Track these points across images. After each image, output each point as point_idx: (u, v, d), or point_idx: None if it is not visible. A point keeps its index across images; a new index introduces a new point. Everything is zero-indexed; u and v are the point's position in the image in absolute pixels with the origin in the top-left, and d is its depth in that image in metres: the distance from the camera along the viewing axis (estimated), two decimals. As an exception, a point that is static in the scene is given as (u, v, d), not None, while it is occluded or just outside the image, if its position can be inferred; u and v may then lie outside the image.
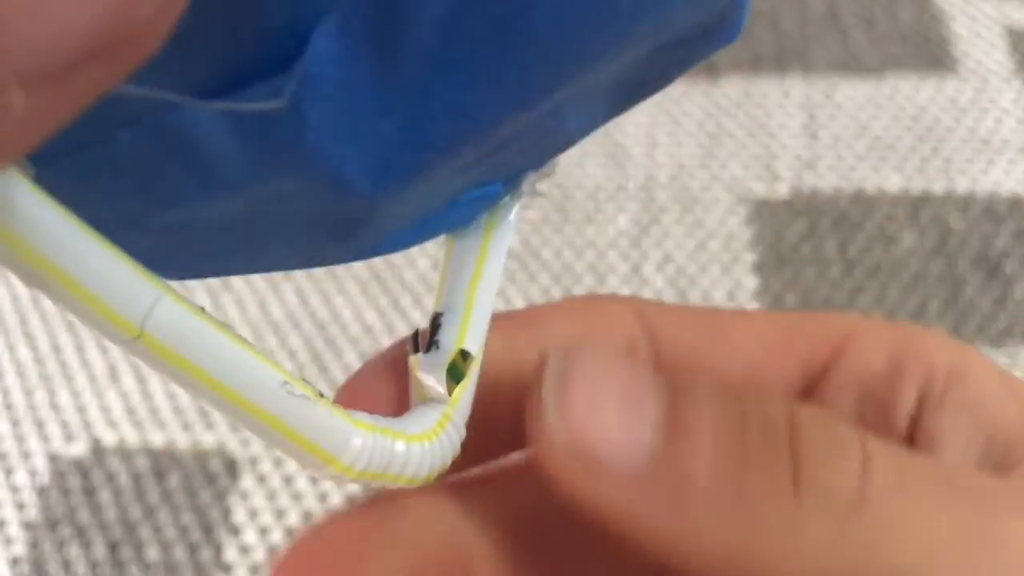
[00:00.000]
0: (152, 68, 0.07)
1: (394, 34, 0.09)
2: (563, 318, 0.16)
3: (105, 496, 0.36)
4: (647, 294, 0.40)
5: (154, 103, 0.09)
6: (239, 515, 0.36)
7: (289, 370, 0.11)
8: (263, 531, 0.35)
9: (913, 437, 0.16)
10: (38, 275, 0.08)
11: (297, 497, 0.36)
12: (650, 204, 0.43)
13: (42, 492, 0.36)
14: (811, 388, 0.16)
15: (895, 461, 0.13)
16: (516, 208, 0.14)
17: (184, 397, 0.39)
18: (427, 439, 0.12)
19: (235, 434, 0.38)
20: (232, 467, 0.37)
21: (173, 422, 0.38)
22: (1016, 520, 0.12)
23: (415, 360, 0.13)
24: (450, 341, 0.13)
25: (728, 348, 0.16)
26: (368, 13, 0.09)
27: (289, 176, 0.10)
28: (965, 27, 0.48)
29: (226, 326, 0.10)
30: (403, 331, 0.40)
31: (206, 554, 0.35)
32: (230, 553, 0.35)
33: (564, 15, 0.10)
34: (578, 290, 0.41)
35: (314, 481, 0.36)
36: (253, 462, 0.37)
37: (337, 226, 0.11)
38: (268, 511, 0.36)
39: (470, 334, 0.13)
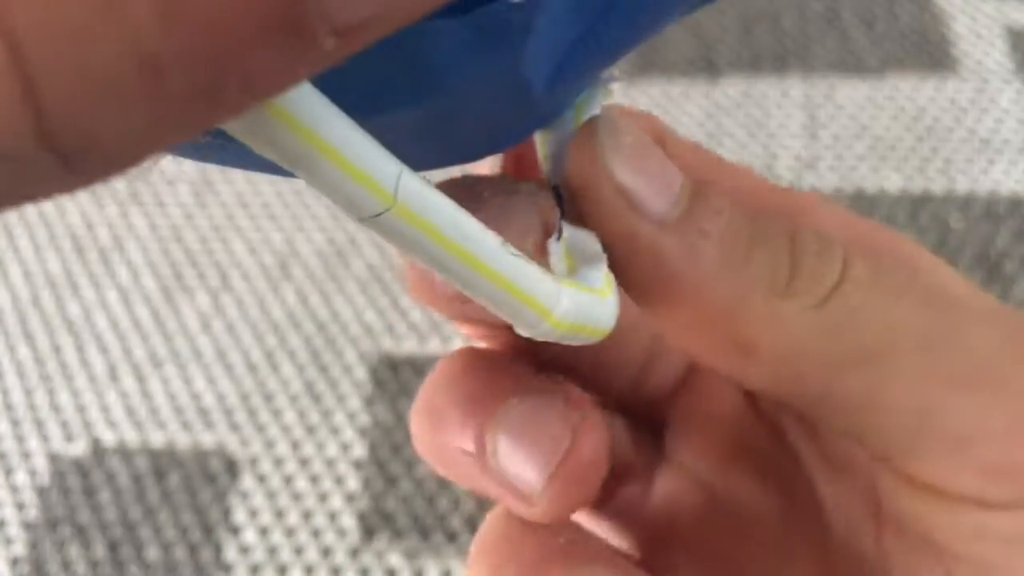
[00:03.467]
0: None
1: None
2: None
3: (105, 496, 0.36)
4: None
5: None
6: (239, 515, 0.36)
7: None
8: (263, 531, 0.35)
9: None
10: (310, 152, 0.09)
11: (297, 497, 0.36)
12: (650, 204, 0.43)
13: (42, 492, 0.36)
14: None
15: (873, 264, 0.14)
16: (599, 96, 0.15)
17: (184, 397, 0.39)
18: (607, 293, 0.13)
19: (235, 434, 0.38)
20: (232, 467, 0.37)
21: (173, 422, 0.38)
22: (977, 325, 0.14)
23: (554, 243, 0.14)
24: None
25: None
26: None
27: (489, 82, 0.11)
28: (965, 27, 0.48)
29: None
30: (403, 331, 0.40)
31: (206, 554, 0.35)
32: (230, 553, 0.35)
33: None
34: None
35: (314, 481, 0.36)
36: (253, 462, 0.37)
37: (503, 118, 0.13)
38: (268, 511, 0.36)
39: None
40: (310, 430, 0.37)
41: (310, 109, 0.09)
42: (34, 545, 0.35)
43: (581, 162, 0.14)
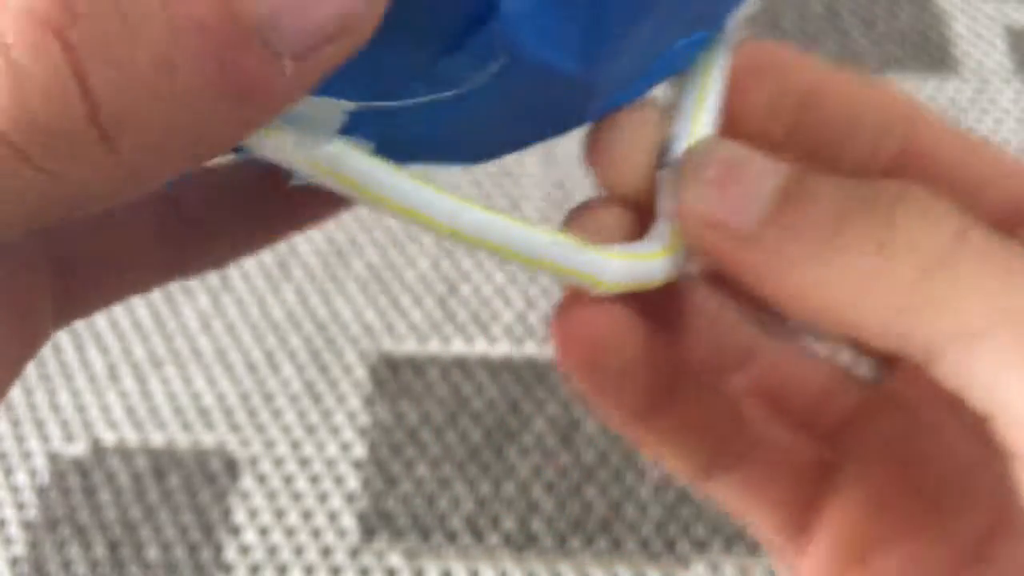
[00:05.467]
0: (395, 40, 0.12)
1: None
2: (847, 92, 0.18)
3: (105, 496, 0.36)
4: (647, 294, 0.40)
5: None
6: (239, 515, 0.36)
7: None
8: (263, 531, 0.35)
9: None
10: (380, 208, 0.14)
11: (297, 497, 0.36)
12: (650, 204, 0.43)
13: (42, 492, 0.36)
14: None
15: (988, 241, 0.14)
16: (727, 45, 0.17)
17: (184, 397, 0.39)
18: (666, 253, 0.16)
19: (235, 434, 0.38)
20: (232, 467, 0.37)
21: (173, 422, 0.38)
22: None
23: (659, 175, 0.16)
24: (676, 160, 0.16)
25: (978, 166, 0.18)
26: None
27: (522, 78, 0.13)
28: (965, 27, 0.48)
29: (507, 215, 0.15)
30: (403, 331, 0.40)
31: (206, 554, 0.35)
32: (230, 553, 0.35)
33: None
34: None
35: (314, 481, 0.36)
36: (253, 462, 0.37)
37: (571, 100, 0.15)
38: (268, 511, 0.36)
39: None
40: (310, 430, 0.37)
41: (378, 178, 0.13)
42: (34, 545, 0.35)
43: (676, 201, 0.15)
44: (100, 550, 0.35)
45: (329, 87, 0.11)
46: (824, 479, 0.19)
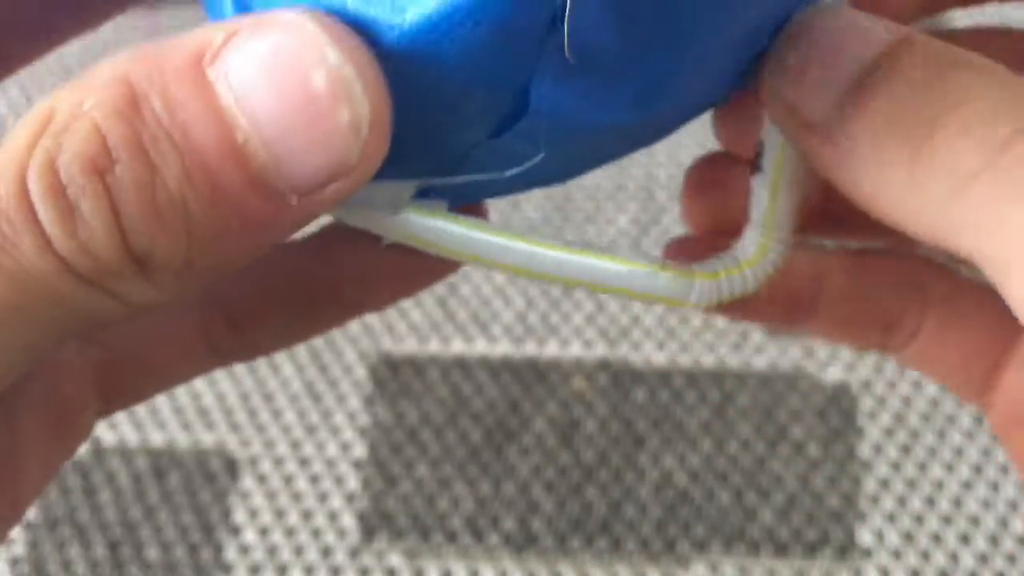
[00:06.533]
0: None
1: (588, 56, 0.12)
2: None
3: (105, 496, 0.36)
4: (647, 294, 0.40)
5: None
6: (239, 515, 0.36)
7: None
8: (263, 531, 0.35)
9: None
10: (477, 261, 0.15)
11: (297, 497, 0.36)
12: (650, 204, 0.43)
13: (42, 492, 0.37)
14: None
15: None
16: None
17: (184, 397, 0.39)
18: (753, 263, 0.16)
19: (235, 434, 0.38)
20: (232, 467, 0.37)
21: (173, 422, 0.38)
22: None
23: (752, 180, 0.16)
24: (769, 167, 0.16)
25: None
26: (555, 57, 0.12)
27: (579, 135, 0.14)
28: (965, 27, 0.48)
29: (587, 249, 0.15)
30: (403, 331, 0.40)
31: (206, 554, 0.35)
32: (230, 553, 0.35)
33: None
34: (578, 291, 0.41)
35: (314, 481, 0.36)
36: (253, 462, 0.37)
37: (643, 129, 0.15)
38: (268, 511, 0.36)
39: (786, 160, 0.16)
40: (310, 430, 0.38)
41: (452, 236, 0.14)
42: (34, 545, 0.35)
43: (759, 87, 0.15)
44: (100, 550, 0.35)
45: (391, 164, 0.12)
46: (1007, 334, 0.18)
